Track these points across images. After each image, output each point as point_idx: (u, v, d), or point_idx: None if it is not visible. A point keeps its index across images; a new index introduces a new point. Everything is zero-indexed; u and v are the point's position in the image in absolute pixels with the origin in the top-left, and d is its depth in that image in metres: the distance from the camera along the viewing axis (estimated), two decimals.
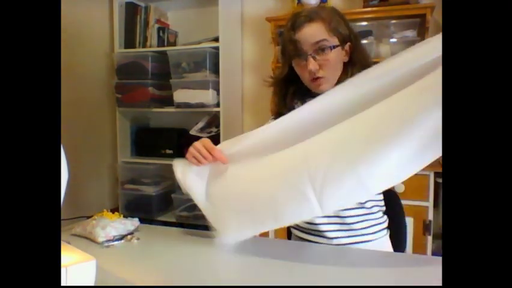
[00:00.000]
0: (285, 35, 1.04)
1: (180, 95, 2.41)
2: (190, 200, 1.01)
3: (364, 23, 2.23)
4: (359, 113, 0.86)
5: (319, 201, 0.84)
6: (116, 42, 2.55)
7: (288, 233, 1.22)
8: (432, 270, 0.81)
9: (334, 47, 0.99)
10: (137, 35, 2.54)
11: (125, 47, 2.56)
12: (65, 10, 1.54)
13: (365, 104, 0.86)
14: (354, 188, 0.83)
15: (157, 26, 2.53)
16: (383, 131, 0.81)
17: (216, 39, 2.36)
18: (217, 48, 2.35)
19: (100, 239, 1.02)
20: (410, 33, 2.13)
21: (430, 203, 1.88)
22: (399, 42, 2.15)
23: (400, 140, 0.79)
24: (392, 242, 1.11)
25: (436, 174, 1.87)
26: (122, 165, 2.61)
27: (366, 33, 2.16)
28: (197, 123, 2.49)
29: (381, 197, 1.09)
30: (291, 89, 1.09)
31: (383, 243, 1.08)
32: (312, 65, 0.99)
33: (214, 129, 2.45)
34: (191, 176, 0.99)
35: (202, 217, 0.98)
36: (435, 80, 0.75)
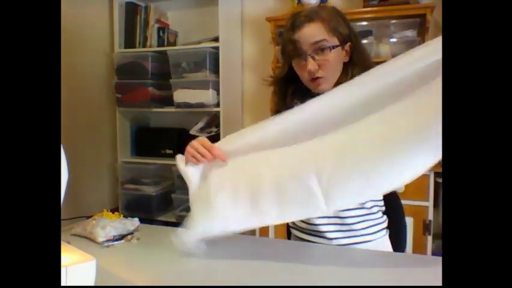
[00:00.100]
0: (285, 35, 1.04)
1: (180, 95, 2.41)
2: None
3: (364, 23, 2.23)
4: (360, 114, 0.86)
5: (325, 199, 0.84)
6: (116, 42, 2.55)
7: (288, 233, 1.22)
8: (432, 270, 0.81)
9: (333, 47, 0.99)
10: (137, 35, 2.54)
11: (125, 47, 2.56)
12: (65, 10, 1.54)
13: (366, 105, 0.86)
14: (360, 189, 0.83)
15: (157, 26, 2.53)
16: (389, 136, 0.83)
17: (216, 39, 2.36)
18: (217, 48, 2.35)
19: (100, 239, 1.02)
20: (410, 33, 2.13)
21: (430, 203, 1.88)
22: (399, 42, 2.15)
23: (406, 145, 0.80)
24: (392, 242, 1.11)
25: (436, 174, 1.87)
26: (122, 165, 2.61)
27: (366, 33, 2.16)
28: (197, 123, 2.50)
29: (381, 197, 1.09)
30: (290, 89, 1.09)
31: (383, 243, 1.08)
32: (311, 65, 0.99)
33: (214, 129, 2.45)
34: (193, 169, 0.99)
35: None
36: (436, 90, 0.76)
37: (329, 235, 1.04)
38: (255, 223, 0.94)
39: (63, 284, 0.65)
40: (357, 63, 1.02)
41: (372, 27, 2.21)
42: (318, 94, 1.01)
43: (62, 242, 0.67)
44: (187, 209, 0.99)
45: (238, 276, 0.83)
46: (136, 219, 1.14)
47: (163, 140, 2.58)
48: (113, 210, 1.17)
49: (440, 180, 1.87)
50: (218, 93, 2.38)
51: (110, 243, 1.02)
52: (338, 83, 1.01)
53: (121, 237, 1.05)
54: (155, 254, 0.97)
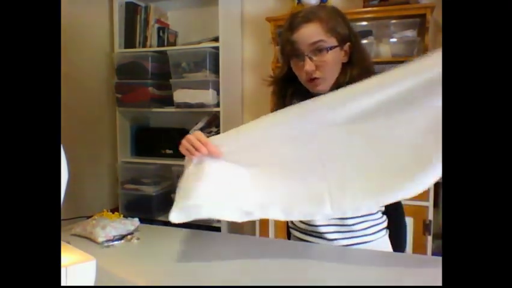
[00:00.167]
0: (283, 36, 1.03)
1: (180, 95, 2.41)
2: None
3: (364, 23, 2.23)
4: (361, 120, 0.87)
5: (331, 205, 0.88)
6: (116, 42, 2.55)
7: (288, 234, 1.22)
8: (432, 270, 0.81)
9: (331, 47, 0.98)
10: (137, 35, 2.54)
11: (125, 47, 2.56)
12: (65, 10, 1.54)
13: (367, 113, 0.87)
14: (366, 199, 0.89)
15: (157, 26, 2.53)
16: (389, 162, 0.86)
17: (216, 39, 2.36)
18: (217, 48, 2.35)
19: (100, 239, 1.02)
20: (410, 33, 2.13)
21: (430, 203, 1.88)
22: (399, 42, 2.15)
23: (406, 172, 0.84)
24: (391, 242, 1.11)
25: None
26: (122, 165, 2.61)
27: (366, 33, 2.16)
28: (197, 123, 2.49)
29: None
30: (290, 89, 1.08)
31: (383, 243, 1.07)
32: (309, 65, 0.98)
33: (214, 129, 2.45)
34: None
35: None
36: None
37: (328, 236, 1.04)
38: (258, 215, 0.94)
39: (63, 284, 0.65)
40: (356, 64, 1.02)
41: (372, 27, 2.21)
42: (317, 94, 1.01)
43: (62, 242, 0.67)
44: None
45: (238, 276, 0.83)
46: (136, 219, 1.14)
47: (163, 140, 2.58)
48: (113, 210, 1.17)
49: (440, 180, 1.86)
50: (218, 93, 2.38)
51: (110, 243, 1.02)
52: (337, 83, 1.01)
53: (121, 237, 1.05)
54: (155, 254, 0.97)
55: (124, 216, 1.14)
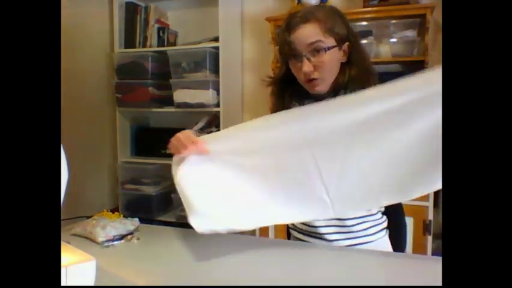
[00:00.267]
0: (281, 36, 1.02)
1: (180, 95, 2.41)
2: None
3: (364, 23, 2.23)
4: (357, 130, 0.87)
5: (333, 208, 0.90)
6: (116, 42, 2.55)
7: (288, 234, 1.22)
8: (432, 270, 0.81)
9: (329, 48, 0.97)
10: (137, 35, 2.54)
11: (125, 47, 2.56)
12: (65, 10, 1.54)
13: (364, 124, 0.86)
14: (365, 199, 0.91)
15: (157, 26, 2.53)
16: (389, 175, 0.88)
17: (216, 39, 2.36)
18: (217, 48, 2.35)
19: (100, 239, 1.02)
20: (410, 33, 2.13)
21: (430, 203, 1.88)
22: (399, 42, 2.15)
23: (406, 183, 0.87)
24: (391, 242, 1.11)
25: None
26: (122, 165, 2.61)
27: (366, 33, 2.16)
28: (197, 123, 2.49)
29: None
30: (288, 90, 1.07)
31: (383, 243, 1.07)
32: (307, 66, 0.97)
33: (214, 129, 2.45)
34: (185, 168, 0.95)
35: None
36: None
37: (328, 237, 1.04)
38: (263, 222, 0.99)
39: (63, 284, 0.65)
40: (355, 64, 1.01)
41: (372, 27, 2.21)
42: (315, 95, 1.01)
43: (62, 242, 0.67)
44: None
45: (238, 276, 0.83)
46: (136, 219, 1.14)
47: (163, 140, 2.55)
48: (113, 210, 1.17)
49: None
50: (218, 93, 2.38)
51: (110, 243, 1.02)
52: (336, 83, 1.01)
53: (121, 237, 1.05)
54: (155, 254, 0.97)
55: (124, 216, 1.14)
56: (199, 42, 2.44)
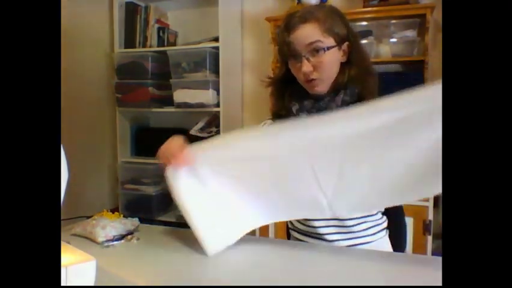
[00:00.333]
0: (280, 36, 1.01)
1: (180, 95, 2.41)
2: None
3: (364, 23, 2.23)
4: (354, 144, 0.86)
5: (330, 208, 0.91)
6: (116, 42, 2.55)
7: (287, 235, 1.22)
8: (432, 270, 0.81)
9: (328, 48, 0.96)
10: (137, 35, 2.54)
11: (125, 47, 2.56)
12: (65, 10, 1.54)
13: (362, 137, 0.85)
14: (363, 204, 0.93)
15: (157, 26, 2.53)
16: (388, 182, 0.87)
17: (216, 39, 2.36)
18: (217, 48, 2.35)
19: (100, 239, 1.02)
20: (410, 33, 2.13)
21: (430, 203, 1.88)
22: (399, 42, 2.15)
23: (405, 191, 0.87)
24: (391, 242, 1.10)
25: None
26: (122, 165, 2.61)
27: (366, 33, 2.16)
28: (197, 123, 2.49)
29: None
30: (288, 90, 1.06)
31: (383, 243, 1.07)
32: (306, 67, 0.97)
33: (214, 129, 2.45)
34: (181, 182, 0.96)
35: None
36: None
37: (328, 237, 1.04)
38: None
39: (63, 284, 0.65)
40: (355, 63, 1.00)
41: (372, 27, 2.21)
42: (315, 95, 1.01)
43: (62, 242, 0.67)
44: None
45: (238, 276, 0.83)
46: (136, 219, 1.14)
47: (163, 140, 2.55)
48: (113, 210, 1.17)
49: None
50: (218, 93, 2.38)
51: (110, 243, 1.02)
52: (335, 83, 1.00)
53: (121, 237, 1.05)
54: (155, 254, 0.97)
55: (124, 216, 1.14)
56: (199, 42, 2.44)
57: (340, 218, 1.02)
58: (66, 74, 1.59)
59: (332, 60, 0.99)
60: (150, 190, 2.51)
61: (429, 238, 1.89)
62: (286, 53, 1.00)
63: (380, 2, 2.12)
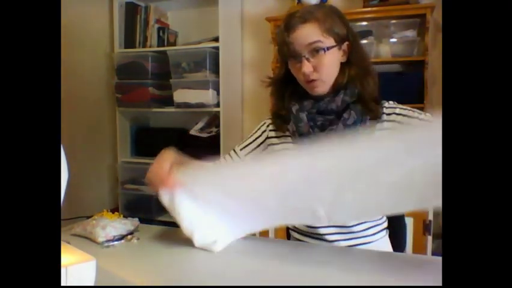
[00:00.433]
0: (280, 36, 1.01)
1: (180, 95, 2.41)
2: None
3: (364, 23, 2.23)
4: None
5: (328, 217, 0.87)
6: (116, 42, 2.55)
7: (287, 235, 1.22)
8: (432, 270, 0.81)
9: (328, 48, 0.96)
10: (137, 35, 2.54)
11: (125, 47, 2.56)
12: (65, 10, 1.54)
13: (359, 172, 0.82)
14: (360, 212, 0.90)
15: (157, 26, 2.53)
16: (387, 198, 0.84)
17: (216, 39, 2.36)
18: (217, 48, 2.35)
19: (100, 239, 1.02)
20: (410, 33, 2.13)
21: None
22: (399, 42, 2.15)
23: (404, 202, 0.83)
24: (391, 242, 1.11)
25: None
26: (122, 165, 2.61)
27: (366, 33, 2.16)
28: (197, 123, 2.50)
29: None
30: (288, 90, 1.06)
31: (383, 244, 1.07)
32: (306, 67, 0.96)
33: (214, 129, 2.46)
34: (179, 201, 0.95)
35: None
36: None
37: (328, 238, 1.04)
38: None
39: (63, 284, 0.65)
40: (354, 63, 1.00)
41: (372, 27, 2.21)
42: (315, 96, 1.01)
43: (62, 242, 0.67)
44: None
45: (238, 276, 0.83)
46: (136, 219, 1.14)
47: (163, 140, 2.57)
48: (113, 210, 1.17)
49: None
50: (218, 93, 2.38)
51: (110, 243, 1.02)
52: (336, 83, 1.00)
53: (121, 237, 1.05)
54: (155, 254, 0.97)
55: (124, 216, 1.14)
56: (199, 42, 2.44)
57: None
58: (66, 74, 1.59)
59: (332, 60, 0.98)
60: (150, 190, 2.51)
61: (429, 238, 1.89)
62: (286, 53, 0.99)
63: (380, 2, 2.12)
